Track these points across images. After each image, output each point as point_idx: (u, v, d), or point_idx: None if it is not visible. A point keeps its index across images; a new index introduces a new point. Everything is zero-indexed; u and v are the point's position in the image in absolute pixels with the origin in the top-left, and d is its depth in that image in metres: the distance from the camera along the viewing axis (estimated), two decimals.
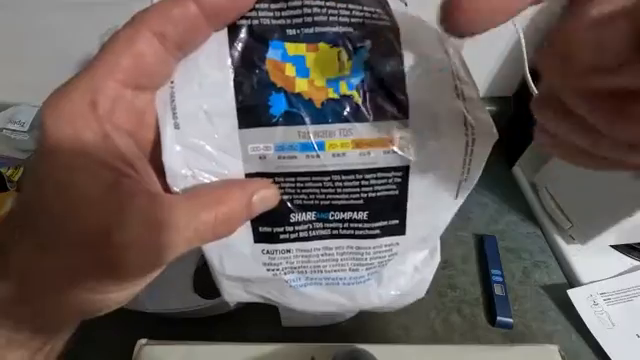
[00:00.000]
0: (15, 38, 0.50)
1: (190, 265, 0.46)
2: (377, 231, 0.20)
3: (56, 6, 0.47)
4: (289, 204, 0.19)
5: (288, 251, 0.20)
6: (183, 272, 0.45)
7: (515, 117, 0.57)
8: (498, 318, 0.43)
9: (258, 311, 0.43)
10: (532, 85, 0.46)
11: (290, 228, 0.20)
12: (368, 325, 0.43)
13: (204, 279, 0.45)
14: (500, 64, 0.55)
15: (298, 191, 0.19)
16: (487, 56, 0.54)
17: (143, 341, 0.32)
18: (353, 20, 0.17)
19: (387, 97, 0.17)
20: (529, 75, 0.47)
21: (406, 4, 0.20)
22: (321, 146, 0.17)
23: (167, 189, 0.17)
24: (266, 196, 0.18)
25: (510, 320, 0.43)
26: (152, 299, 0.40)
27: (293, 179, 0.18)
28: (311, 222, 0.20)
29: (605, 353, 0.40)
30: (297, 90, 0.17)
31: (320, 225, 0.20)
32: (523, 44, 0.46)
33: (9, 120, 0.55)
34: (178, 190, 0.17)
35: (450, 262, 0.49)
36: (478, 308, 0.45)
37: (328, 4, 0.17)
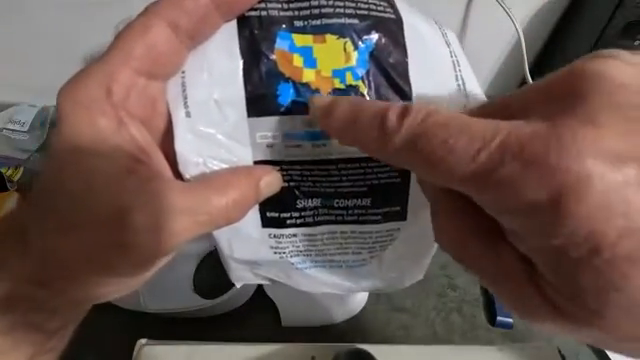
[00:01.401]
0: (15, 38, 0.50)
1: (190, 265, 0.46)
2: (379, 217, 0.21)
3: (56, 6, 0.46)
4: (296, 191, 0.20)
5: (294, 235, 0.21)
6: (183, 272, 0.45)
7: None
8: (498, 318, 0.43)
9: (258, 311, 0.44)
10: None
11: (296, 214, 0.21)
12: (368, 325, 0.43)
13: (204, 279, 0.45)
14: (500, 64, 0.55)
15: (304, 178, 0.19)
16: (487, 56, 0.54)
17: (143, 341, 0.32)
18: (359, 12, 0.18)
19: (391, 87, 0.18)
20: (529, 75, 0.47)
21: None
22: (327, 135, 0.18)
23: (178, 175, 0.17)
24: (271, 181, 0.18)
25: (510, 320, 0.43)
26: (152, 299, 0.40)
27: (300, 167, 0.19)
28: (317, 208, 0.21)
29: (605, 353, 0.40)
30: (304, 80, 0.17)
31: (325, 211, 0.21)
32: (523, 44, 0.46)
33: (9, 120, 0.55)
34: (189, 177, 0.17)
35: (450, 262, 0.49)
36: (478, 308, 0.45)
37: None
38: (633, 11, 0.41)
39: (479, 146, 0.11)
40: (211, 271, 0.46)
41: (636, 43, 0.44)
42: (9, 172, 0.51)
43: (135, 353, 0.31)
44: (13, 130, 0.54)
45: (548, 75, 0.12)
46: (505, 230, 0.13)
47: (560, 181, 0.10)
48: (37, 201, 0.16)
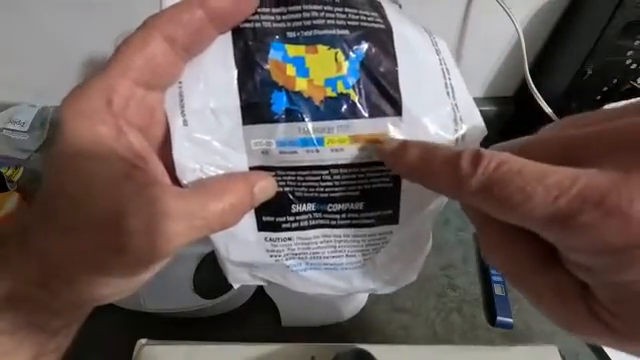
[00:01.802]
0: (15, 38, 0.50)
1: (190, 265, 0.46)
2: (372, 220, 0.21)
3: (56, 6, 0.46)
4: (290, 196, 0.20)
5: (289, 239, 0.22)
6: (183, 272, 0.45)
7: (515, 117, 0.57)
8: (498, 318, 0.43)
9: (258, 311, 0.44)
10: (532, 85, 0.46)
11: (291, 218, 0.21)
12: (368, 325, 0.43)
13: (204, 279, 0.45)
14: (500, 64, 0.55)
15: (299, 184, 0.20)
16: (487, 56, 0.54)
17: (143, 341, 0.32)
18: (349, 23, 0.18)
19: (382, 95, 0.18)
20: (529, 75, 0.47)
21: (400, 6, 0.22)
22: (320, 141, 0.18)
23: (175, 182, 0.18)
24: (266, 186, 0.19)
25: (510, 320, 0.43)
26: (152, 299, 0.40)
27: (294, 172, 0.19)
28: (311, 212, 0.21)
29: (605, 353, 0.40)
30: (297, 89, 0.18)
31: (319, 215, 0.21)
32: (523, 44, 0.46)
33: (9, 120, 0.55)
34: (186, 183, 0.18)
35: (450, 262, 0.49)
36: (478, 308, 0.45)
37: (326, 8, 0.18)
38: (633, 11, 0.41)
39: (557, 193, 0.12)
40: (211, 271, 0.46)
41: (636, 43, 0.44)
42: (9, 172, 0.51)
43: (135, 353, 0.32)
44: (13, 130, 0.54)
45: (613, 118, 0.13)
46: (567, 259, 0.14)
47: (638, 231, 0.11)
48: (38, 204, 0.16)
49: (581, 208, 0.12)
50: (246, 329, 0.42)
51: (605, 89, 0.49)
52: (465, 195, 0.14)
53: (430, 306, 0.45)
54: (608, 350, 0.40)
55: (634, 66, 0.46)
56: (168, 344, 0.32)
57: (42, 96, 0.56)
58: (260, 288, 0.43)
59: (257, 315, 0.43)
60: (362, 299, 0.44)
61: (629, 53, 0.45)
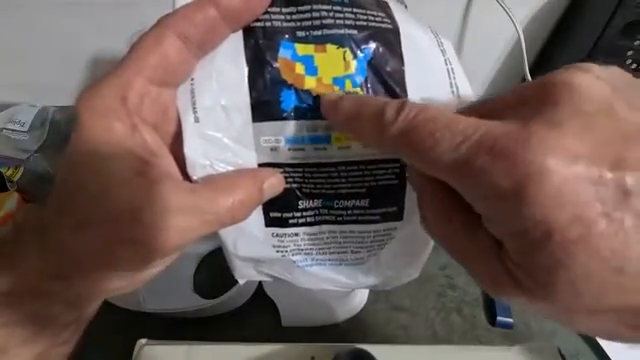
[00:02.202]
0: (15, 38, 0.50)
1: (190, 265, 0.46)
2: (377, 217, 0.22)
3: (57, 6, 0.47)
4: (297, 192, 0.21)
5: (296, 235, 0.22)
6: (183, 272, 0.45)
7: None
8: (498, 318, 0.43)
9: (258, 311, 0.44)
10: None
11: (298, 214, 0.21)
12: (368, 325, 0.43)
13: (204, 279, 0.45)
14: (500, 64, 0.55)
15: (306, 180, 0.20)
16: (487, 56, 0.54)
17: (143, 341, 0.32)
18: (358, 23, 0.19)
19: (389, 94, 0.19)
20: (529, 75, 0.47)
21: (406, 7, 0.22)
22: (328, 139, 0.19)
23: (186, 177, 0.18)
24: (274, 183, 0.19)
25: (510, 320, 0.43)
26: (152, 299, 0.40)
27: (302, 169, 0.20)
28: (317, 209, 0.21)
29: (605, 353, 0.40)
30: (306, 87, 0.18)
31: (326, 211, 0.22)
32: (523, 44, 0.46)
33: (9, 120, 0.55)
34: (197, 178, 0.18)
35: (450, 262, 0.49)
36: (478, 308, 0.45)
37: (335, 8, 0.18)
38: (633, 11, 0.41)
39: (460, 139, 0.13)
40: (211, 271, 0.46)
41: (636, 43, 0.44)
42: (9, 172, 0.51)
43: (135, 353, 0.31)
44: (13, 130, 0.54)
45: (527, 82, 0.14)
46: (481, 215, 0.14)
47: (523, 172, 0.12)
48: (54, 199, 0.17)
49: (477, 153, 0.13)
50: (246, 329, 0.42)
51: None
52: (387, 141, 0.16)
53: (430, 306, 0.45)
54: (608, 349, 0.40)
55: (634, 66, 0.46)
56: (168, 344, 0.32)
57: (42, 96, 0.56)
58: (260, 288, 0.43)
59: (257, 315, 0.43)
60: (362, 299, 0.44)
61: (629, 53, 0.45)
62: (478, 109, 0.16)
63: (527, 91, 0.14)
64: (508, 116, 0.13)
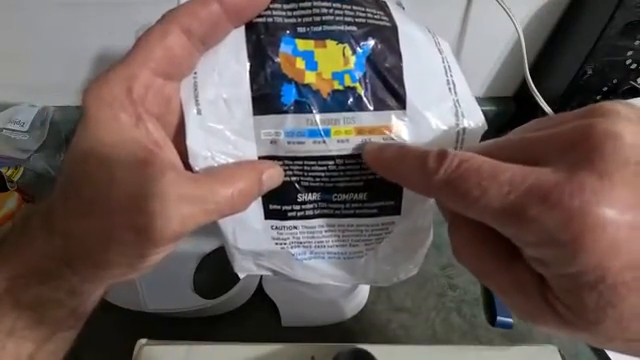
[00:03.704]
0: (15, 37, 0.50)
1: (190, 265, 0.46)
2: (375, 210, 0.22)
3: (56, 6, 0.46)
4: (297, 185, 0.21)
5: (295, 227, 0.22)
6: (183, 272, 0.45)
7: (515, 117, 0.57)
8: (498, 318, 0.43)
9: (258, 311, 0.44)
10: (532, 85, 0.46)
11: (297, 207, 0.22)
12: (368, 325, 0.43)
13: (204, 279, 0.45)
14: (500, 64, 0.55)
15: (305, 173, 0.21)
16: (487, 56, 0.54)
17: (143, 341, 0.32)
18: (357, 20, 0.19)
19: (387, 89, 0.19)
20: (529, 75, 0.47)
21: (403, 8, 0.23)
22: (327, 133, 0.19)
23: (188, 168, 0.19)
24: (273, 175, 0.20)
25: (510, 320, 0.43)
26: (152, 299, 0.40)
27: (301, 162, 0.20)
28: (316, 202, 0.22)
29: (605, 353, 0.40)
30: (306, 81, 0.19)
31: (324, 204, 0.22)
32: (523, 44, 0.46)
33: (9, 120, 0.55)
34: (198, 169, 0.19)
35: (450, 262, 0.49)
36: (478, 308, 0.45)
37: (335, 5, 0.19)
38: (633, 11, 0.41)
39: (508, 189, 0.13)
40: (211, 271, 0.46)
41: (636, 43, 0.44)
42: (9, 172, 0.51)
43: (135, 353, 0.31)
44: (13, 130, 0.54)
45: (565, 122, 0.14)
46: (524, 254, 0.15)
47: (580, 223, 0.12)
48: (60, 188, 0.17)
49: (529, 202, 0.13)
50: (246, 329, 0.42)
51: (605, 89, 0.49)
52: (431, 190, 0.16)
53: (430, 306, 0.45)
54: (608, 351, 0.40)
55: (634, 66, 0.46)
56: (168, 344, 0.32)
57: (42, 96, 0.56)
58: (260, 288, 0.43)
59: (257, 315, 0.43)
60: (362, 299, 0.44)
61: (629, 53, 0.45)
62: (514, 150, 0.16)
63: (569, 136, 0.14)
64: (552, 162, 0.13)
